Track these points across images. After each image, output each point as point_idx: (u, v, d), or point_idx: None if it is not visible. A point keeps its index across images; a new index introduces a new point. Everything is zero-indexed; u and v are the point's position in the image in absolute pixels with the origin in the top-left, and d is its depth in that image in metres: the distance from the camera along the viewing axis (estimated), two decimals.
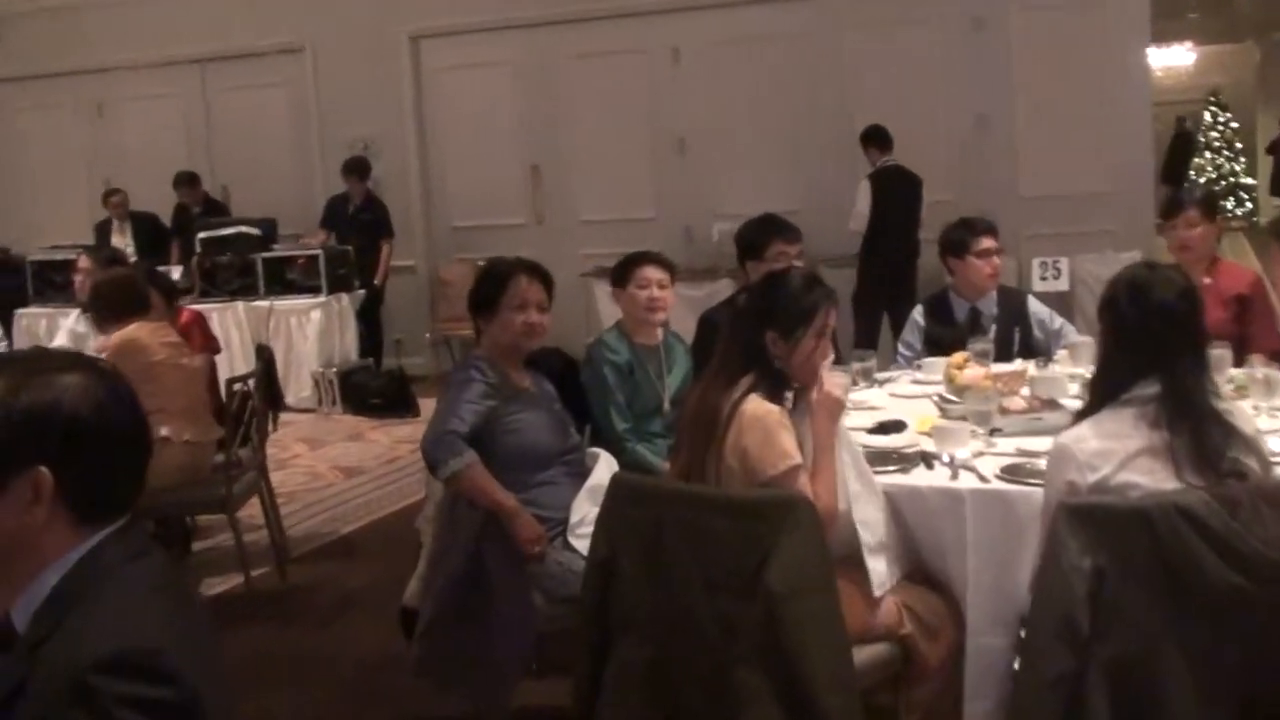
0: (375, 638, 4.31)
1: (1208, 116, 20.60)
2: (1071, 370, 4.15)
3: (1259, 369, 3.57)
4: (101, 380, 1.56)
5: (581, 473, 3.43)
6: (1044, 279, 4.11)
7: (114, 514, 1.56)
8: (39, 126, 11.62)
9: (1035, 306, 4.84)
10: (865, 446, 3.36)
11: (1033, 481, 2.92)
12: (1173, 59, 19.04)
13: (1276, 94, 19.17)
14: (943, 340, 4.75)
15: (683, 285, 9.03)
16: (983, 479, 2.99)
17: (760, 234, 4.50)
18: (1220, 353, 3.84)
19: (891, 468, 3.11)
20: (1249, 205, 20.19)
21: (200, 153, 11.08)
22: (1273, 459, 2.63)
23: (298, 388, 8.93)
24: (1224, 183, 20.28)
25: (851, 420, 3.66)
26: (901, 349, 4.92)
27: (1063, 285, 4.14)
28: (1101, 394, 2.66)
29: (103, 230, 10.06)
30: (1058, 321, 4.79)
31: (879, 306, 8.26)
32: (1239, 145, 20.47)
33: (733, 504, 2.65)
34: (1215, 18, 18.04)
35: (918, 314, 4.94)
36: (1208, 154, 20.65)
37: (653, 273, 4.10)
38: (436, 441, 3.21)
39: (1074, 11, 8.74)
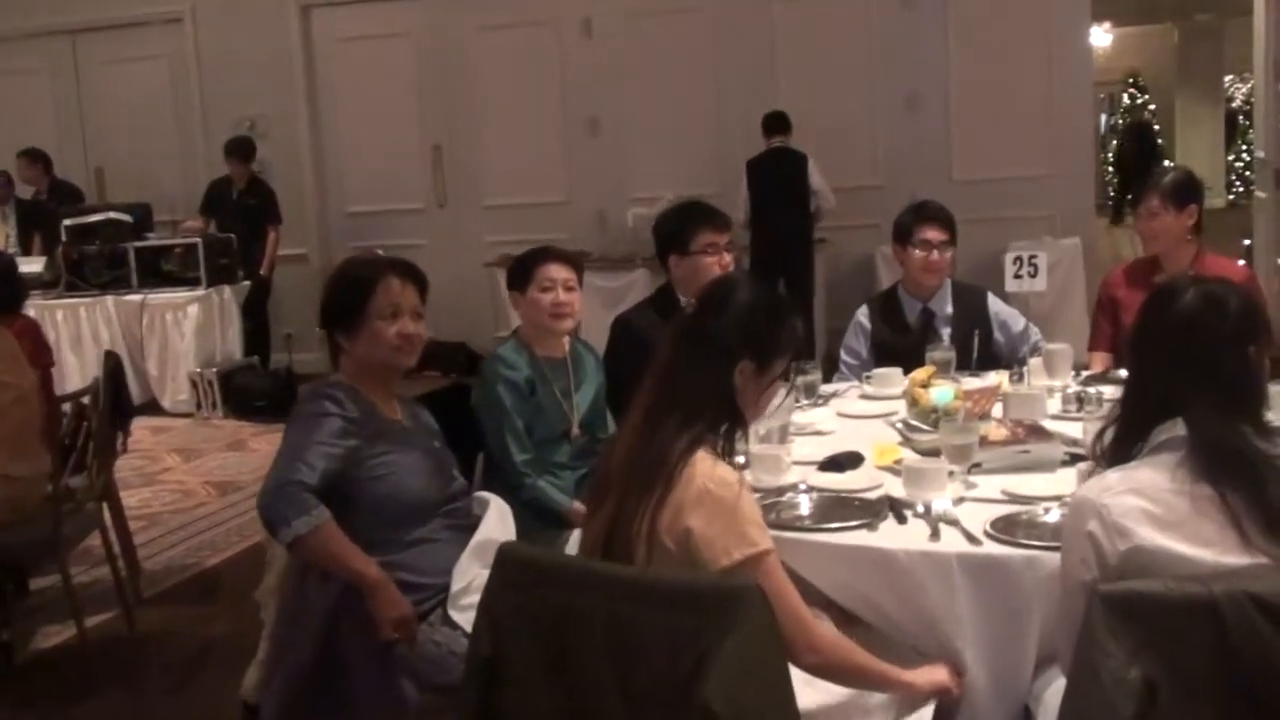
0: (237, 705, 3.60)
1: (1126, 99, 20.37)
2: (1049, 384, 3.57)
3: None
4: None
5: (467, 525, 2.76)
6: (1018, 277, 3.52)
7: None
8: None
9: (996, 306, 4.26)
10: (816, 490, 2.74)
11: (1034, 544, 2.31)
12: (1092, 40, 18.71)
13: (1195, 76, 19.01)
14: (893, 346, 4.16)
15: (596, 275, 8.48)
16: (971, 539, 2.36)
17: (684, 223, 3.85)
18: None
19: (854, 522, 2.48)
20: None
21: (72, 132, 10.17)
22: None
23: (174, 390, 8.14)
24: None
25: (795, 449, 3.05)
26: (845, 356, 4.31)
27: (1040, 285, 3.56)
28: (1127, 433, 2.05)
29: None
30: (1020, 322, 4.21)
31: None
32: (1157, 127, 20.25)
33: (664, 591, 1.99)
34: None
35: (862, 315, 4.33)
36: None
37: (557, 271, 3.43)
38: (276, 496, 2.52)
39: None
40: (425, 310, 2.84)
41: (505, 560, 2.15)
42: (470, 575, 2.62)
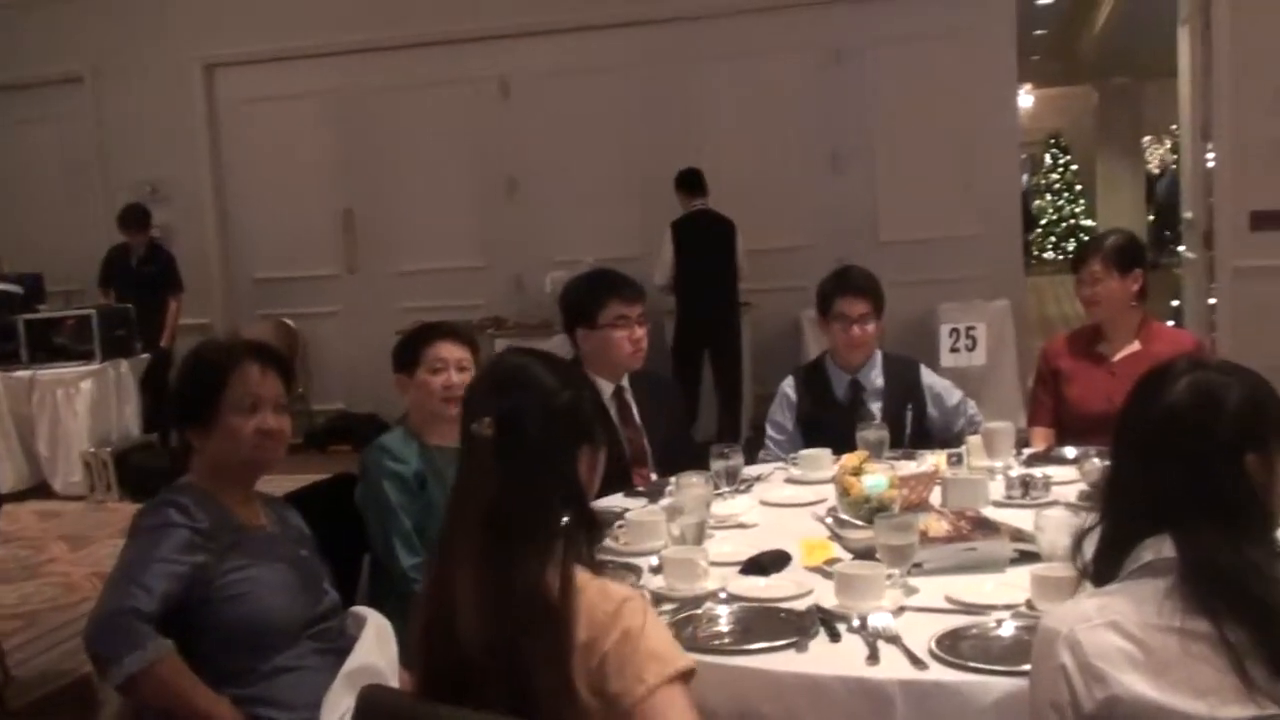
0: None
1: (1049, 159, 20.55)
2: (989, 465, 3.29)
3: None
4: None
5: (339, 648, 2.39)
6: (955, 350, 3.24)
7: None
8: None
9: (930, 378, 3.99)
10: (738, 599, 2.41)
11: (986, 667, 2.00)
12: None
13: (1114, 137, 19.18)
14: (820, 421, 3.88)
15: (510, 343, 8.20)
16: (916, 661, 2.05)
17: (591, 293, 3.57)
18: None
19: (781, 642, 2.16)
20: None
21: None
22: None
23: (66, 471, 7.66)
24: (1064, 225, 20.25)
25: (715, 548, 2.73)
26: (771, 432, 4.01)
27: (979, 358, 3.30)
28: (1111, 544, 1.73)
29: None
30: (955, 395, 3.95)
31: (699, 360, 7.73)
32: (1079, 187, 20.45)
33: None
34: (1056, 61, 17.96)
35: (788, 386, 4.04)
36: (1049, 195, 20.62)
37: (449, 350, 3.12)
38: (105, 628, 2.15)
39: (937, 46, 8.05)
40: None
41: (368, 708, 1.81)
42: (343, 708, 2.24)
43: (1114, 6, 12.90)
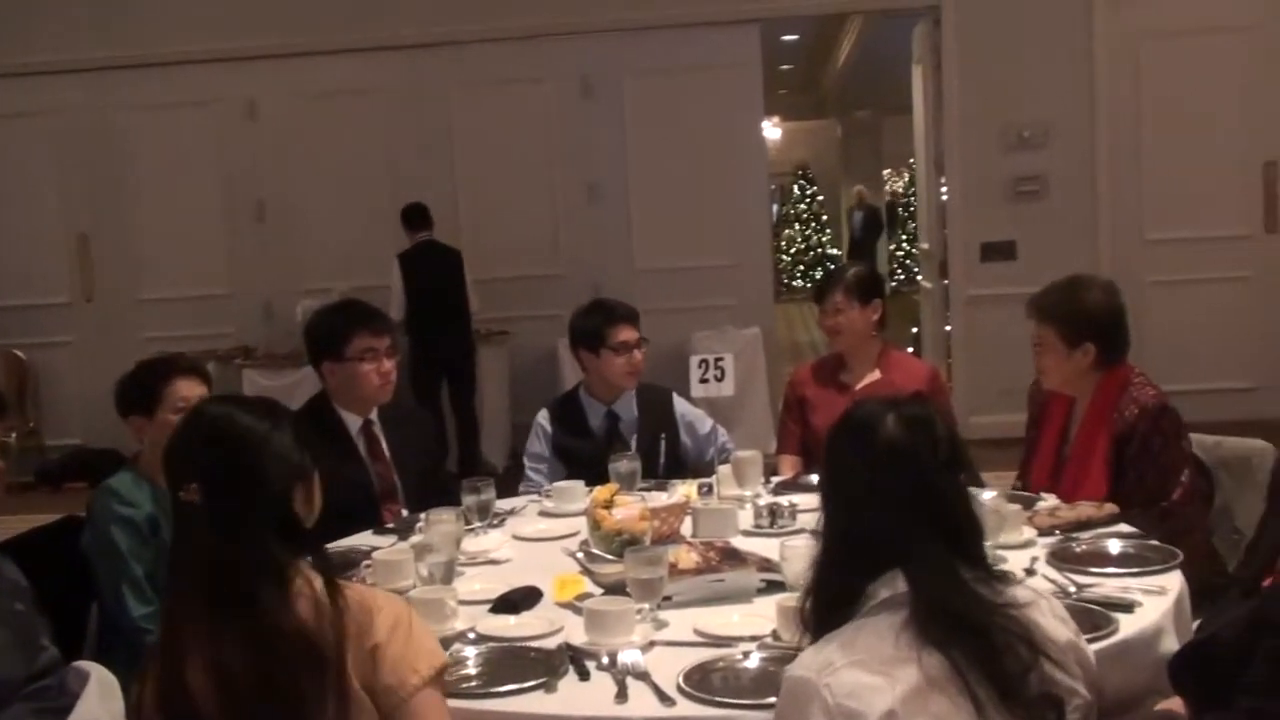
0: None
1: (796, 190, 21.24)
2: (739, 494, 3.34)
3: (984, 495, 2.84)
4: None
5: (59, 707, 2.23)
6: (704, 381, 3.29)
7: None
8: None
9: (682, 407, 4.05)
10: (487, 639, 2.37)
11: (733, 701, 2.02)
12: (764, 133, 19.49)
13: (857, 168, 20.02)
14: (577, 453, 3.89)
15: (261, 374, 7.92)
16: (664, 698, 2.05)
17: (339, 326, 3.47)
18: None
19: (529, 683, 2.12)
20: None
21: None
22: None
23: None
24: (811, 254, 20.95)
25: (465, 585, 2.68)
26: (529, 463, 3.98)
27: (727, 389, 3.35)
28: (836, 600, 1.77)
29: None
30: (707, 424, 4.01)
31: (437, 391, 7.68)
32: (824, 217, 21.20)
33: None
34: (802, 95, 18.66)
35: (543, 418, 4.03)
36: (797, 225, 21.30)
37: (189, 388, 2.97)
38: None
39: (687, 80, 8.20)
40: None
41: None
42: None
43: (854, 44, 13.48)
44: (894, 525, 1.72)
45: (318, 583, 1.83)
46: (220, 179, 8.54)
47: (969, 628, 1.65)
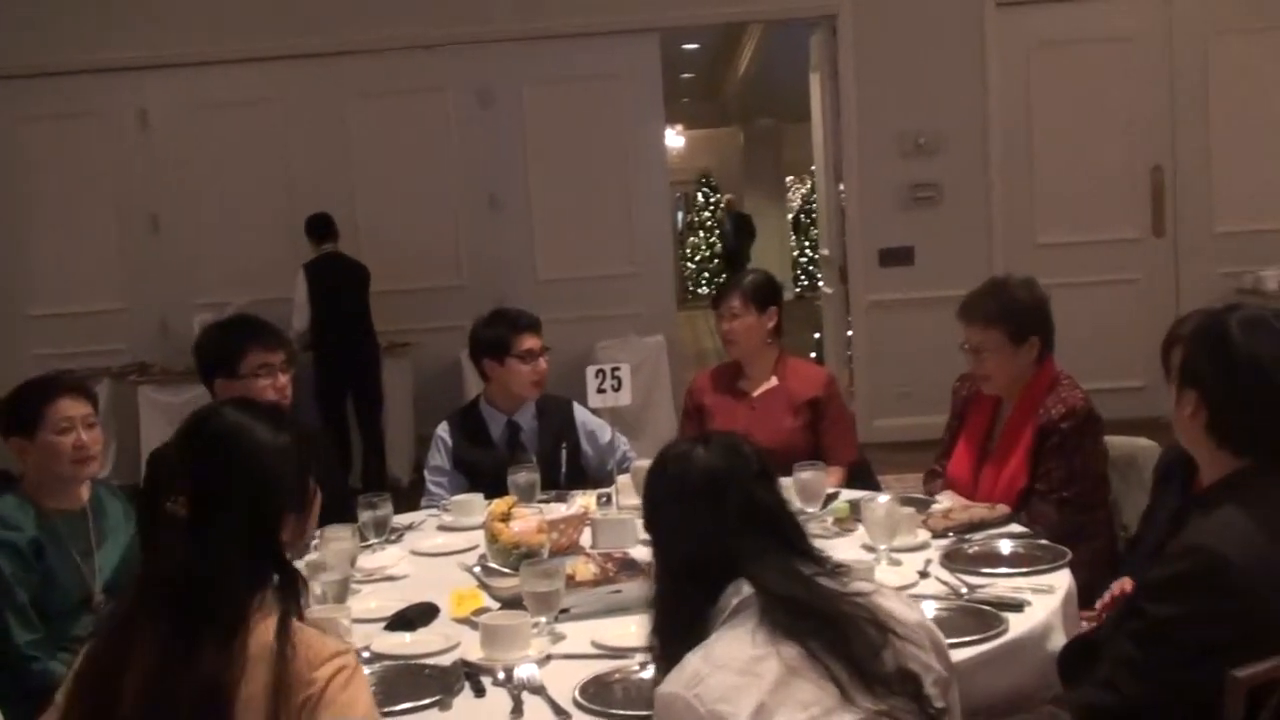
0: None
1: (700, 197, 21.37)
2: (638, 504, 3.33)
3: (879, 499, 2.88)
4: None
5: None
6: (601, 391, 3.29)
7: None
8: None
9: (583, 416, 4.03)
10: (381, 657, 2.34)
11: (627, 713, 2.02)
12: (667, 141, 19.56)
13: (760, 176, 20.21)
14: (478, 465, 3.86)
15: (157, 390, 7.76)
16: (559, 711, 2.05)
17: (232, 342, 3.40)
18: (810, 475, 3.18)
19: (424, 701, 2.10)
20: None
21: None
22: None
23: None
24: (716, 261, 21.09)
25: (360, 603, 2.65)
26: (430, 477, 3.94)
27: (624, 399, 3.36)
28: (679, 626, 1.83)
29: None
30: (608, 433, 4.00)
31: (342, 404, 7.59)
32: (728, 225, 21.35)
33: None
34: (705, 104, 18.77)
35: (443, 431, 4.00)
36: (701, 233, 21.43)
37: (73, 407, 2.90)
38: None
39: (587, 89, 8.21)
40: None
41: None
42: None
43: (755, 53, 13.59)
44: (727, 543, 1.81)
45: (272, 620, 1.73)
46: (112, 191, 8.33)
47: (818, 616, 1.74)
